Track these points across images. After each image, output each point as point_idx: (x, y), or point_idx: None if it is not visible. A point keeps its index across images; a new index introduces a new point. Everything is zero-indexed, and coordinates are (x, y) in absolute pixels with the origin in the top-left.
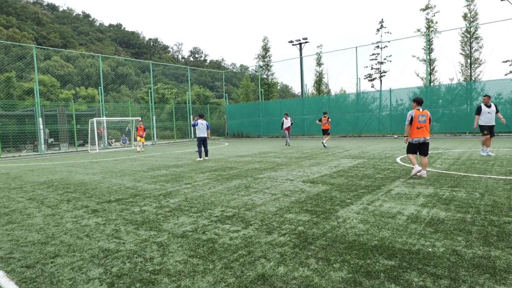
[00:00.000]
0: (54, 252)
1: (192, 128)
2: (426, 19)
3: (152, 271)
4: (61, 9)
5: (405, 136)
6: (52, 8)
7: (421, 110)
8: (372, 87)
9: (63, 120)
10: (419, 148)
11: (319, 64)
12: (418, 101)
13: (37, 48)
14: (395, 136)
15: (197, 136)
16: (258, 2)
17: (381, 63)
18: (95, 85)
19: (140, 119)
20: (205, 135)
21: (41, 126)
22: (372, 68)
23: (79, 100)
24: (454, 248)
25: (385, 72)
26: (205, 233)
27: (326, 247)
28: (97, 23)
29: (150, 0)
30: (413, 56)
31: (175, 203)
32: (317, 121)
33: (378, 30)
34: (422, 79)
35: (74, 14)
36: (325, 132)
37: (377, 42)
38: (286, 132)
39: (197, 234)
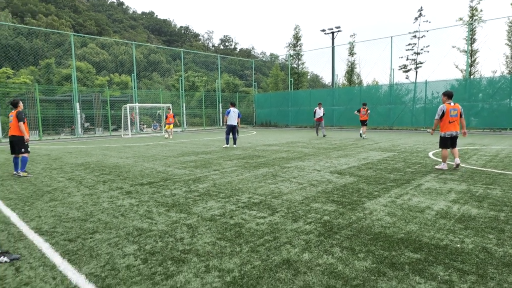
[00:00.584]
0: (93, 228)
1: (223, 116)
2: (470, 7)
3: (182, 250)
4: None
5: (432, 129)
6: None
7: (452, 104)
8: (406, 78)
9: (98, 106)
10: (450, 142)
11: (351, 53)
12: (448, 95)
13: (75, 35)
14: (428, 130)
15: (228, 123)
16: None
17: (418, 53)
18: (128, 72)
19: (169, 107)
20: (235, 123)
21: (78, 111)
22: (407, 59)
23: (113, 86)
24: (484, 246)
25: (421, 63)
26: (233, 217)
27: (351, 237)
28: (131, 11)
29: None
30: (453, 47)
31: (203, 188)
32: (356, 112)
33: (416, 19)
34: (462, 71)
35: (109, 1)
36: (364, 123)
37: (414, 32)
38: (318, 122)
39: (224, 218)
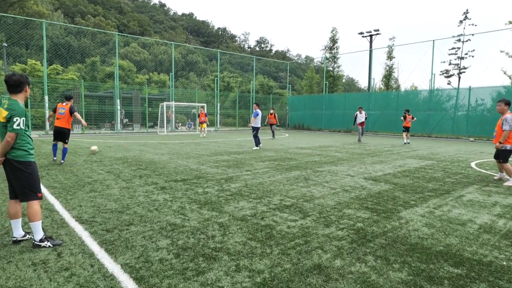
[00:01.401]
0: (129, 220)
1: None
2: None
3: (214, 248)
4: None
5: (501, 142)
6: None
7: None
8: (448, 84)
9: (137, 103)
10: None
11: (390, 57)
12: (509, 103)
13: (119, 35)
14: (471, 139)
15: (257, 125)
16: None
17: (462, 58)
18: (167, 71)
19: (202, 106)
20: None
21: (119, 107)
22: (450, 64)
23: (151, 84)
24: None
25: (465, 68)
26: (264, 219)
27: (385, 246)
28: (171, 12)
29: None
30: (501, 52)
31: (235, 188)
32: (402, 118)
33: (461, 22)
34: (510, 77)
35: (152, 3)
36: (407, 129)
37: (458, 35)
38: (360, 127)
39: (256, 219)
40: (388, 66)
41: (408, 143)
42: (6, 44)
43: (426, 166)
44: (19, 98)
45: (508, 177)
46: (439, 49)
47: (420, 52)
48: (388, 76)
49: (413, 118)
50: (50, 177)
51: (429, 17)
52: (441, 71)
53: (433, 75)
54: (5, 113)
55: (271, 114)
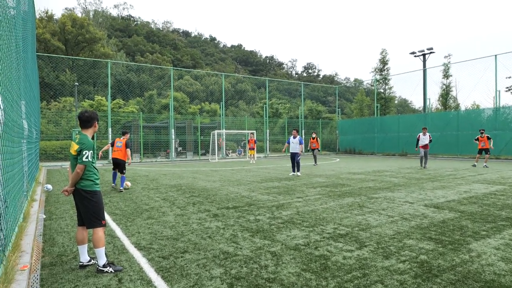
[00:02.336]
0: (184, 248)
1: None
2: None
3: (267, 278)
4: (193, 34)
5: None
6: (186, 34)
7: None
8: None
9: (190, 132)
10: None
11: (446, 76)
12: None
13: (173, 69)
14: None
15: (291, 151)
16: (376, 13)
17: None
18: (217, 100)
19: (252, 133)
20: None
21: (173, 136)
22: None
23: (203, 114)
24: None
25: None
26: (317, 248)
27: (455, 282)
28: (221, 45)
29: (268, 20)
30: None
31: (287, 216)
32: (475, 140)
33: None
34: None
35: (203, 38)
36: (484, 151)
37: None
38: (422, 150)
39: (309, 248)
40: (444, 85)
41: (486, 166)
42: (77, 84)
43: (496, 191)
44: (89, 133)
45: None
46: (502, 63)
47: (481, 69)
48: (445, 95)
49: (489, 138)
50: (112, 204)
51: (488, 30)
52: (507, 87)
53: (497, 92)
54: (76, 146)
55: (313, 138)
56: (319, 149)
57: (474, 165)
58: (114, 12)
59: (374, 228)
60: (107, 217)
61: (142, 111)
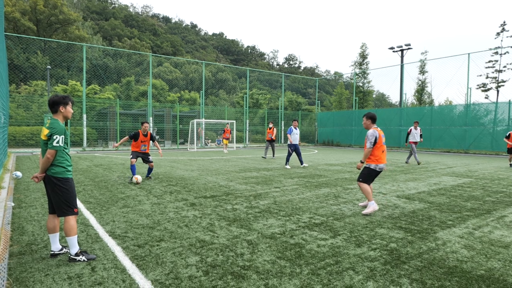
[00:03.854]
0: (159, 236)
1: (285, 133)
2: None
3: (242, 266)
4: (173, 20)
5: None
6: (166, 20)
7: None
8: (486, 98)
9: (169, 120)
10: None
11: (422, 72)
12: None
13: (152, 55)
14: None
15: (296, 142)
16: (357, 8)
17: (500, 71)
18: (197, 89)
19: (228, 123)
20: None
21: (151, 124)
22: (487, 77)
23: (183, 102)
24: None
25: (504, 81)
26: (293, 237)
27: (421, 268)
28: (202, 32)
29: (250, 9)
30: None
31: (264, 205)
32: (505, 139)
33: (498, 34)
34: None
35: (184, 24)
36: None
37: (495, 48)
38: (413, 145)
39: (285, 237)
40: (420, 80)
41: None
42: (49, 67)
43: (463, 184)
44: (59, 118)
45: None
46: (475, 62)
47: (455, 66)
48: (420, 90)
49: None
50: (86, 192)
51: (463, 30)
52: (478, 85)
53: (469, 89)
54: (46, 131)
55: (270, 128)
56: (274, 140)
57: (511, 165)
58: None
59: (348, 218)
60: (80, 205)
61: (119, 97)
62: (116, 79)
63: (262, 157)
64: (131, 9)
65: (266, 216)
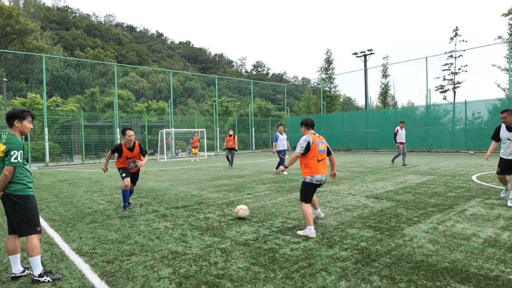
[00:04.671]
0: (130, 250)
1: (256, 140)
2: (510, 24)
3: (216, 275)
4: (138, 29)
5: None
6: (131, 29)
7: (317, 135)
8: (444, 99)
9: (137, 131)
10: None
11: (385, 75)
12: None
13: (117, 65)
14: (470, 152)
15: (284, 148)
16: (321, 15)
17: (455, 73)
18: (165, 98)
19: (196, 131)
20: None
21: (118, 136)
22: (444, 79)
23: (151, 112)
24: None
25: (459, 83)
26: (266, 242)
27: (390, 265)
28: (169, 41)
29: (217, 17)
30: (493, 66)
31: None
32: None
33: (452, 38)
34: (504, 90)
35: (149, 33)
36: None
37: (450, 52)
38: (401, 146)
39: (258, 243)
40: (383, 84)
41: None
42: (6, 79)
43: (427, 181)
44: (16, 132)
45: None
46: (432, 65)
47: (415, 69)
48: (384, 93)
49: None
50: (50, 210)
51: (421, 35)
52: (436, 87)
53: (428, 91)
54: (3, 147)
55: (230, 136)
56: (236, 148)
57: None
58: (49, 2)
59: (320, 220)
60: (44, 223)
61: (83, 109)
62: (79, 90)
63: (229, 167)
64: (93, 18)
65: (239, 223)
